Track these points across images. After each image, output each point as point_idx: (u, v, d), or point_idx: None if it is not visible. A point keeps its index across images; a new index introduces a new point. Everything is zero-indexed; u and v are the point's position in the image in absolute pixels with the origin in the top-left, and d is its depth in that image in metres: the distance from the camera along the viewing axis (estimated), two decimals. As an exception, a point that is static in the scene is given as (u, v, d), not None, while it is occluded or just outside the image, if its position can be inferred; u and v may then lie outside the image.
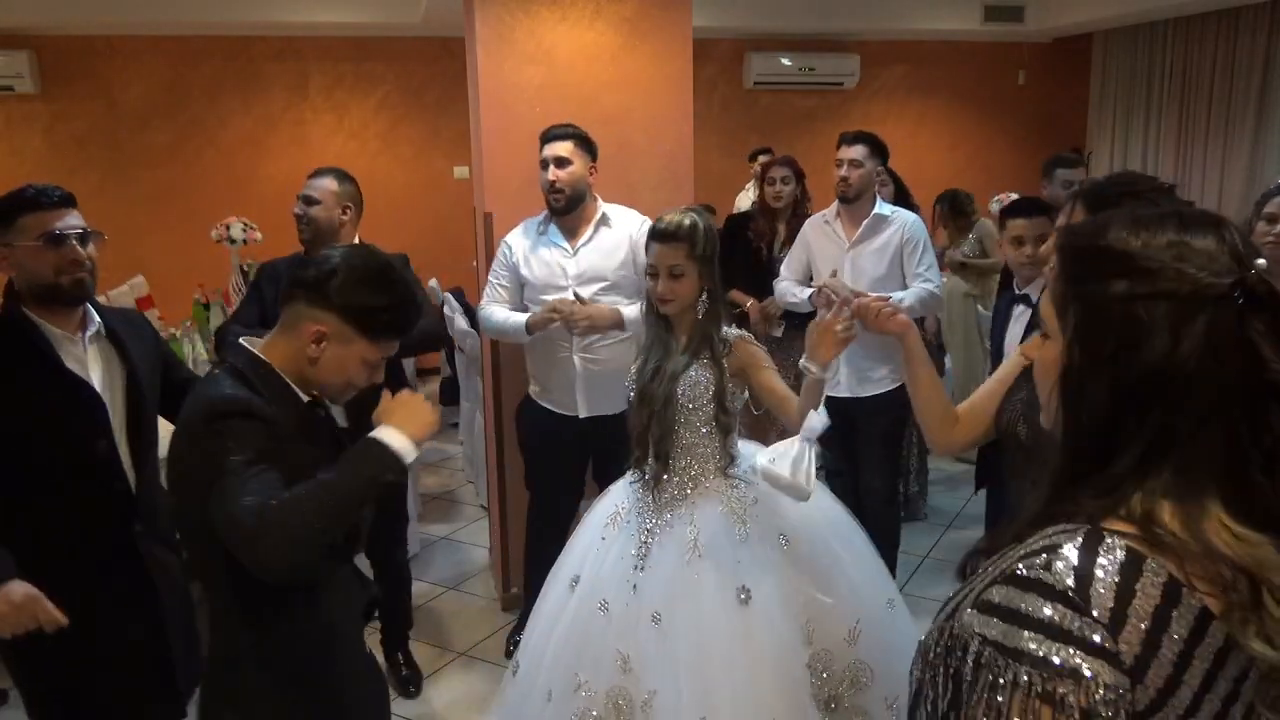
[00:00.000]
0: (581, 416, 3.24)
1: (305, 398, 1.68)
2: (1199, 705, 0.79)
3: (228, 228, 5.30)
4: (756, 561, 2.20)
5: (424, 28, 6.70)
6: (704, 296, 2.33)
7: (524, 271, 3.28)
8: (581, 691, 2.20)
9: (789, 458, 2.05)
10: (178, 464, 1.61)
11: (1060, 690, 0.76)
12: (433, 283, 6.10)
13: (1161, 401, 0.84)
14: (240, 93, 7.07)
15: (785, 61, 7.84)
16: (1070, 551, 0.81)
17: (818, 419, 2.06)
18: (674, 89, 3.97)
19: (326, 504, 1.50)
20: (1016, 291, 2.97)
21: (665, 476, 2.32)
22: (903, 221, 3.63)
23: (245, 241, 5.31)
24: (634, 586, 2.23)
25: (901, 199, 4.37)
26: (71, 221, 2.11)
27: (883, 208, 3.67)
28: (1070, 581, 0.79)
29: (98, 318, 2.18)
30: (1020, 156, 8.13)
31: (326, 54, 7.13)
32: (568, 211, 3.22)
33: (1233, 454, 0.83)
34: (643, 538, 2.31)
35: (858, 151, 3.60)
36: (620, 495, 2.48)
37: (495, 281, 3.38)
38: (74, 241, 2.08)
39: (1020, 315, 2.89)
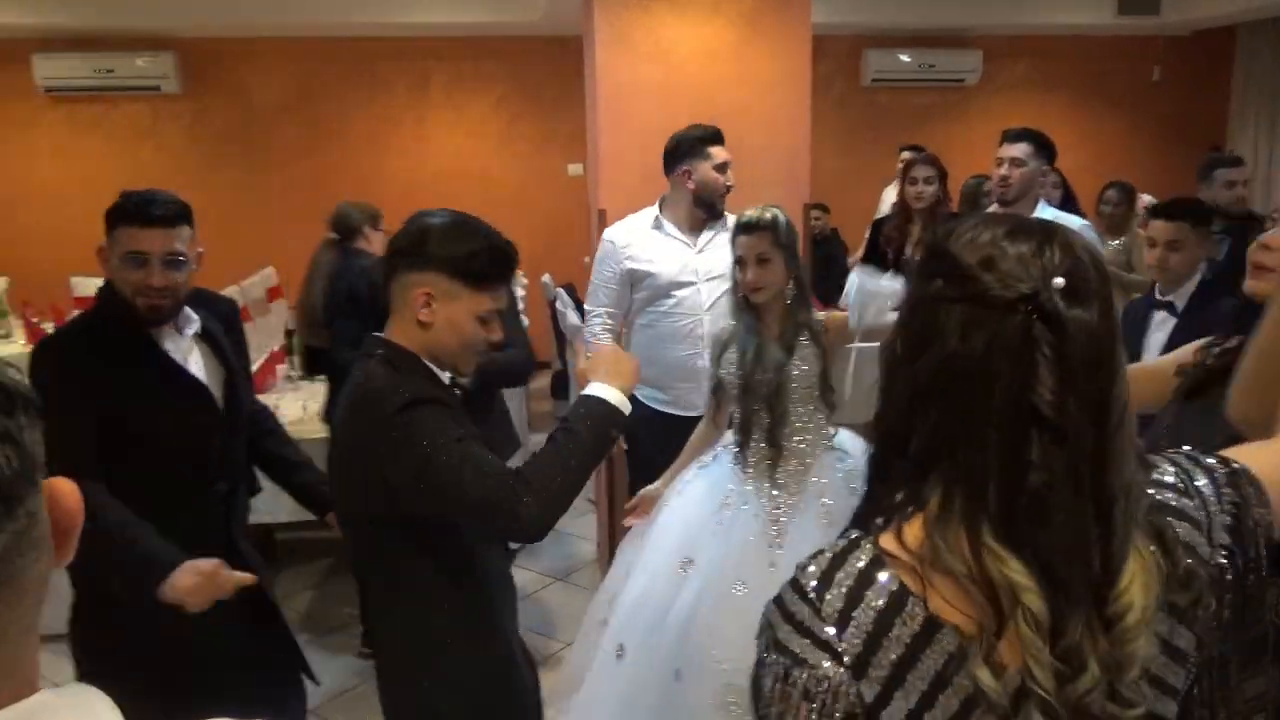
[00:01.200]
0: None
1: (446, 379, 1.73)
2: (931, 702, 0.82)
3: (353, 222, 5.49)
4: None
5: (542, 26, 6.80)
6: (790, 284, 2.45)
7: (644, 267, 3.22)
8: (724, 665, 2.23)
9: None
10: (354, 456, 1.65)
11: (794, 674, 0.84)
12: (545, 278, 6.20)
13: (941, 404, 0.85)
14: (364, 91, 7.31)
15: (904, 58, 7.68)
16: (825, 555, 0.90)
17: None
18: (792, 86, 3.94)
19: (575, 462, 1.60)
20: (1158, 297, 2.83)
21: (780, 460, 2.43)
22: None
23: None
24: (771, 564, 2.29)
25: (1068, 204, 4.17)
26: (165, 245, 1.95)
27: (1045, 211, 3.44)
28: (813, 583, 0.87)
29: (195, 318, 2.09)
30: (1152, 157, 7.76)
31: (446, 53, 7.32)
32: (717, 215, 3.23)
33: (1005, 471, 0.83)
34: (772, 517, 2.39)
35: (1020, 150, 3.42)
36: (723, 478, 2.53)
37: (600, 283, 3.32)
38: (156, 266, 1.94)
39: (1162, 323, 2.76)
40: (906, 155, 5.02)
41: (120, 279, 1.97)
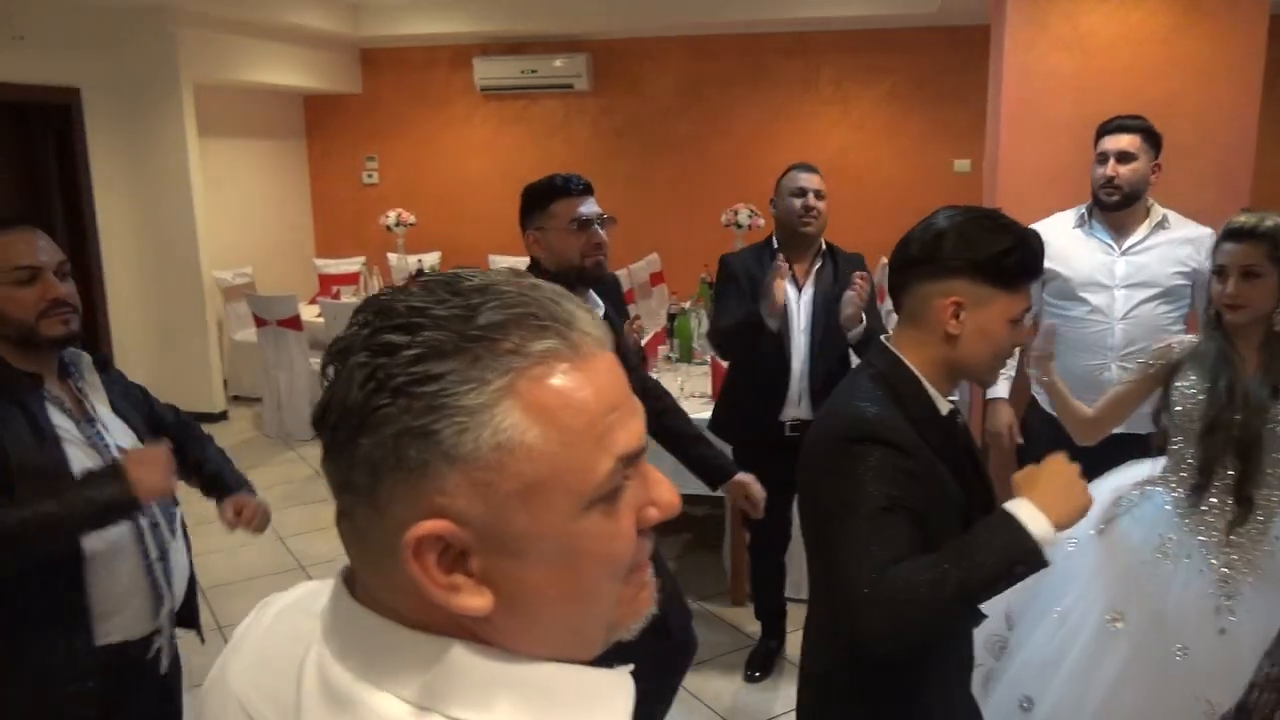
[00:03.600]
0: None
1: (945, 408, 1.55)
2: None
3: (735, 213, 5.69)
4: None
5: (940, 17, 6.56)
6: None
7: (1057, 266, 2.99)
8: None
9: None
10: (812, 470, 1.55)
11: None
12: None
13: None
14: (752, 86, 7.51)
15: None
16: None
17: None
18: (1236, 74, 3.46)
19: (949, 589, 1.33)
20: None
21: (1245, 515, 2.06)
22: None
23: (749, 227, 5.65)
24: (1221, 630, 2.00)
25: None
26: (594, 208, 2.27)
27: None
28: None
29: (598, 300, 2.36)
30: None
31: (837, 47, 7.30)
32: (1117, 209, 2.95)
33: None
34: (1221, 576, 2.06)
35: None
36: (1158, 522, 2.19)
37: None
38: (596, 226, 2.26)
39: None
40: None
41: (565, 245, 2.25)
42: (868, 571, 1.34)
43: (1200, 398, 2.10)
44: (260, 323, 6.00)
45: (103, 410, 1.88)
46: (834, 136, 7.40)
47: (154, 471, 1.71)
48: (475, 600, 0.59)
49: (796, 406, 3.09)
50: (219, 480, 2.13)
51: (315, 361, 5.96)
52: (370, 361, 0.58)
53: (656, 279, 7.10)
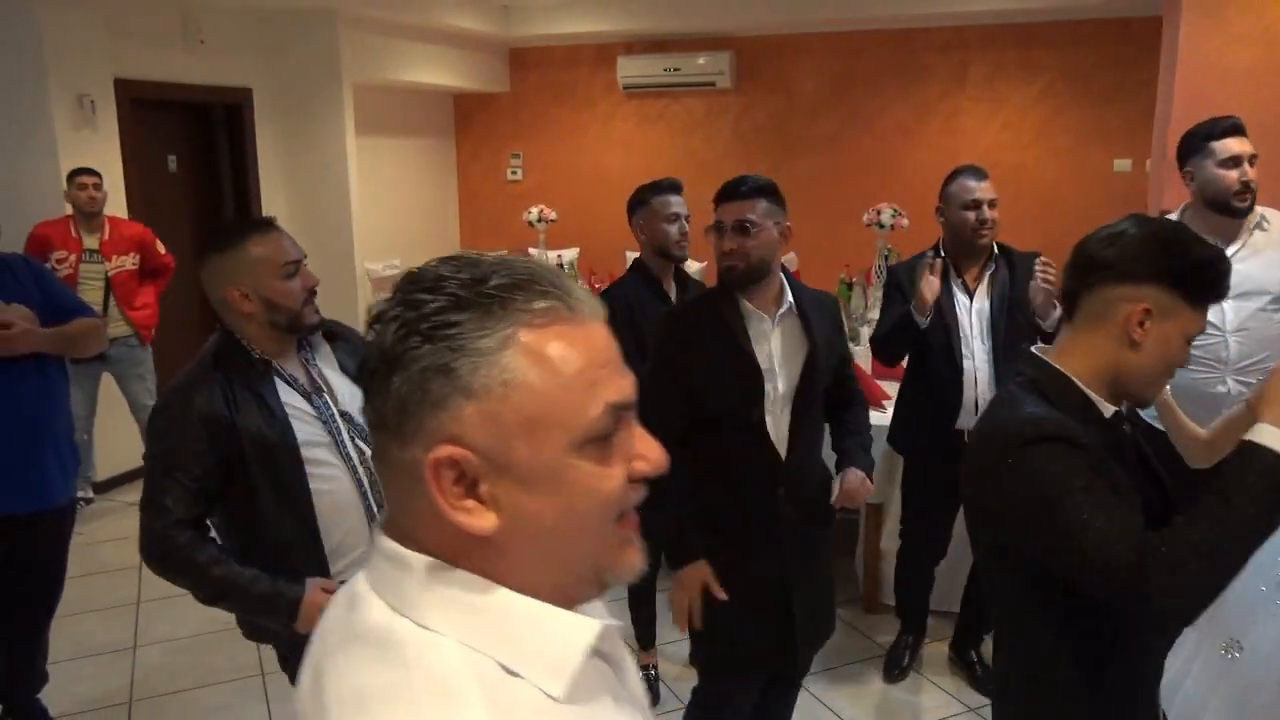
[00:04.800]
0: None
1: (1109, 411, 1.50)
2: None
3: (878, 212, 5.56)
4: None
5: (1102, 9, 6.25)
6: None
7: None
8: None
9: None
10: (981, 482, 1.51)
11: None
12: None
13: None
14: (899, 83, 7.32)
15: None
16: None
17: None
18: None
19: (1224, 533, 1.29)
20: None
21: None
22: None
23: (893, 227, 5.52)
24: None
25: None
26: (732, 215, 2.24)
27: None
28: None
29: (790, 298, 2.33)
30: None
31: (990, 42, 7.04)
32: (1247, 214, 2.79)
33: None
34: None
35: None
36: (1276, 546, 2.05)
37: None
38: (730, 231, 2.23)
39: None
40: None
41: (715, 250, 2.29)
42: (1127, 538, 1.31)
43: None
44: (407, 313, 6.22)
45: (333, 376, 2.08)
46: (984, 135, 7.14)
47: (316, 615, 1.91)
48: (482, 520, 0.69)
49: (974, 415, 3.01)
50: None
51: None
52: (402, 314, 0.70)
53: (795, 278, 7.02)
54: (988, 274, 3.03)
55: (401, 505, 0.74)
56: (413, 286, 0.71)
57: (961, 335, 3.01)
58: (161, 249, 5.03)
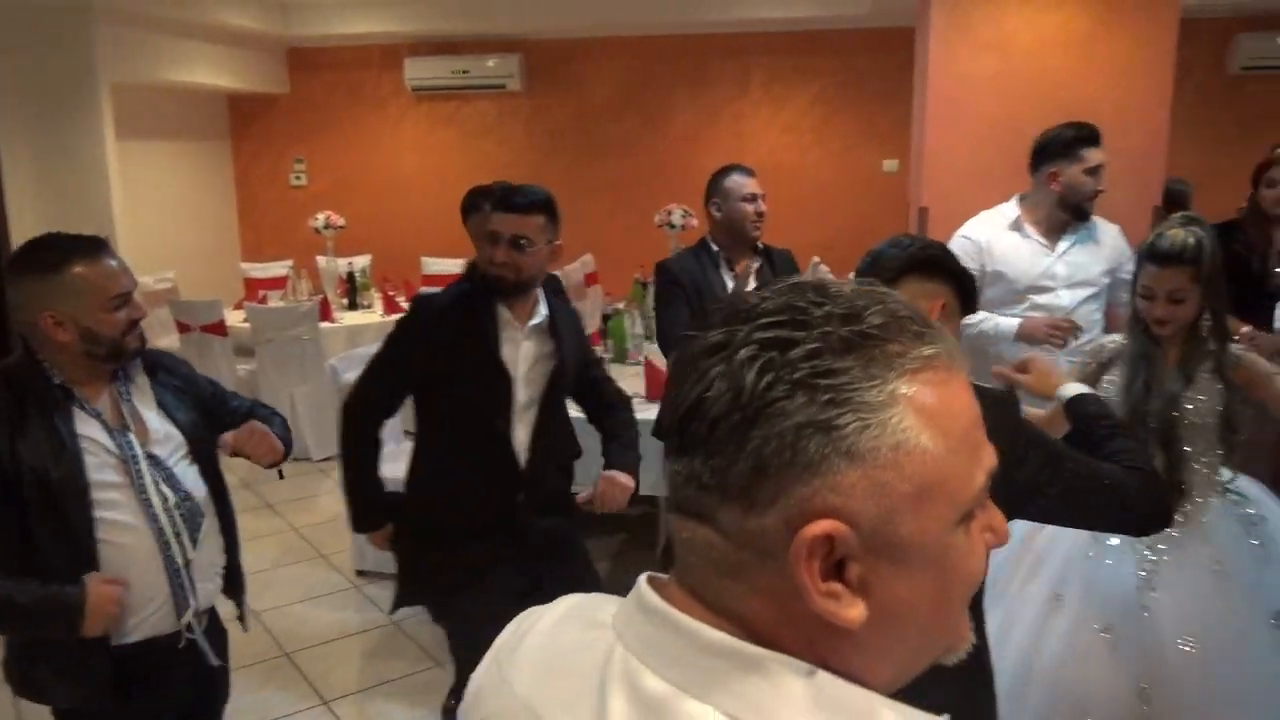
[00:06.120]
0: None
1: None
2: None
3: (670, 213, 5.70)
4: None
5: (869, 19, 6.66)
6: (1205, 316, 2.13)
7: (1001, 267, 3.04)
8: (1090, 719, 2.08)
9: None
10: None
11: None
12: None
13: None
14: (688, 87, 7.54)
15: (1287, 42, 6.71)
16: None
17: None
18: (1150, 76, 3.57)
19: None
20: None
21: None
22: None
23: (683, 227, 5.67)
24: (1145, 609, 2.10)
25: None
26: (515, 230, 2.22)
27: None
28: None
29: (545, 311, 2.37)
30: None
31: (770, 49, 7.37)
32: (1083, 218, 3.02)
33: None
34: (1148, 556, 2.16)
35: None
36: None
37: None
38: (504, 245, 2.21)
39: None
40: None
41: (481, 256, 2.32)
42: (1135, 463, 1.56)
43: (1122, 392, 2.20)
44: (183, 329, 5.83)
45: (147, 413, 1.90)
46: (767, 138, 7.46)
47: (103, 614, 1.75)
48: (851, 610, 0.58)
49: None
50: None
51: (241, 367, 5.82)
52: (761, 354, 0.57)
53: (591, 279, 7.08)
54: (754, 266, 3.15)
55: (729, 577, 0.60)
56: (771, 322, 0.58)
57: None
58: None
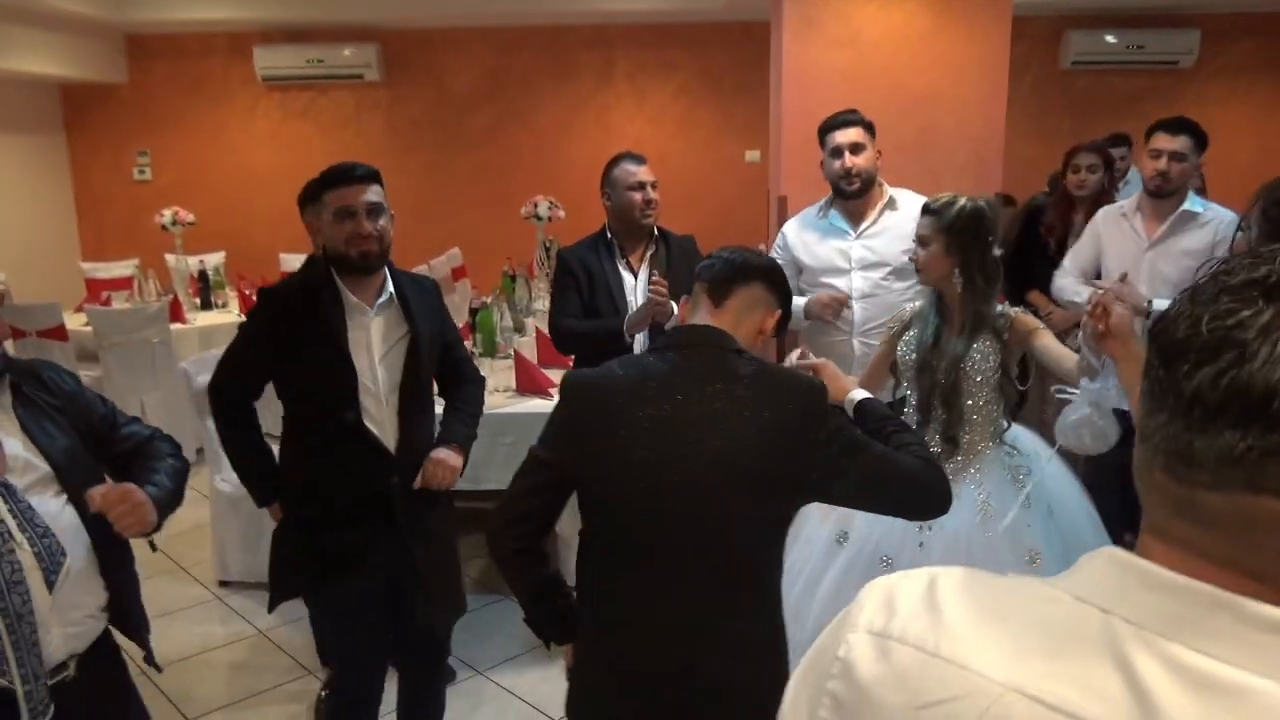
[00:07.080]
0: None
1: None
2: None
3: (535, 205, 5.67)
4: (1041, 527, 2.37)
5: (726, 12, 6.79)
6: (956, 273, 2.36)
7: (803, 257, 3.24)
8: None
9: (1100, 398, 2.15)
10: (772, 450, 1.59)
11: None
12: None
13: None
14: (552, 79, 7.51)
15: (1110, 39, 7.19)
16: None
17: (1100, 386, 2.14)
18: (987, 70, 3.78)
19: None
20: None
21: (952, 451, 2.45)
22: (1217, 221, 3.24)
23: (550, 219, 5.66)
24: (920, 544, 2.36)
25: (1201, 195, 3.88)
26: (365, 198, 2.23)
27: (1194, 203, 3.30)
28: None
29: (390, 288, 2.34)
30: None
31: (632, 40, 7.42)
32: (859, 196, 3.16)
33: None
34: None
35: (1182, 144, 3.25)
36: None
37: None
38: (362, 216, 2.22)
39: None
40: (1116, 151, 4.76)
41: (333, 235, 2.25)
42: (928, 459, 1.70)
43: (914, 345, 2.47)
44: (18, 334, 5.44)
45: (5, 439, 1.69)
46: (631, 129, 7.51)
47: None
48: None
49: None
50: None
51: (85, 373, 5.48)
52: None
53: (459, 273, 6.97)
54: (649, 254, 3.18)
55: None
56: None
57: (630, 310, 3.12)
58: None
